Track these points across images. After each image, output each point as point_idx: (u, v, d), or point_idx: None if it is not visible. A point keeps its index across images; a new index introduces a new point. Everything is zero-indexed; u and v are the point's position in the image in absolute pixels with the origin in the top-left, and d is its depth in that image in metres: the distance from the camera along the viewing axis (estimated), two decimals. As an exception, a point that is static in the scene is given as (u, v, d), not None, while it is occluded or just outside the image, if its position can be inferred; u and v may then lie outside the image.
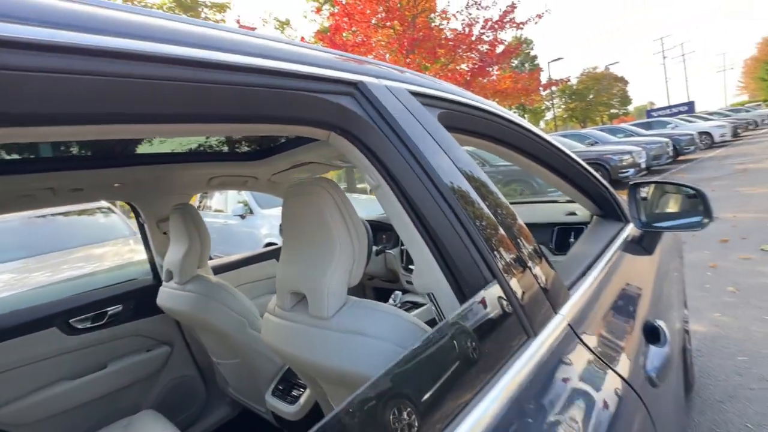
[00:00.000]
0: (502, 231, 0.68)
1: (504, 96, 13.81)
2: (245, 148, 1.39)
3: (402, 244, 2.06)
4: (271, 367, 1.34)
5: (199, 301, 1.28)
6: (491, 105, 0.99)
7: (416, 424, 0.44)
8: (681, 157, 14.28)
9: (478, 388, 0.50)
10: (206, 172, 1.43)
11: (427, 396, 0.47)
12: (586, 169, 1.29)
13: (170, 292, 1.38)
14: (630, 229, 1.29)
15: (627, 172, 9.46)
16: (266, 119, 0.55)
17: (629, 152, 9.53)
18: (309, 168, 1.45)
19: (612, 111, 51.33)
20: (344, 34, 11.00)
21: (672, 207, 1.32)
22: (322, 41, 10.72)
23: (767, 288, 2.80)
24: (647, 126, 17.06)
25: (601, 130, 14.57)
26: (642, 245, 1.25)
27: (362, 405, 0.42)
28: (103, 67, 0.39)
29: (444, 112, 0.80)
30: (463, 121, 0.86)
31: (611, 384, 0.63)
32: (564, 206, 1.84)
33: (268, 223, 4.48)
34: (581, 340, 0.66)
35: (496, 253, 0.64)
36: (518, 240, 0.68)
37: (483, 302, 0.57)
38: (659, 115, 30.39)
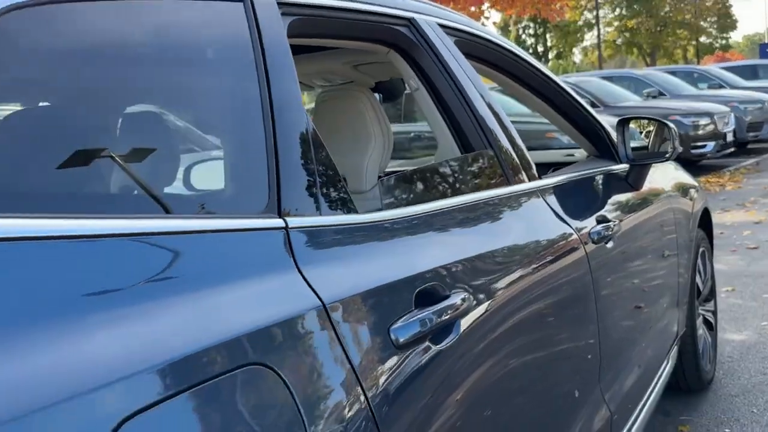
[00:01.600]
0: (496, 124, 1.72)
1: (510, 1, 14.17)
2: None
3: None
4: None
5: None
6: (493, 35, 2.08)
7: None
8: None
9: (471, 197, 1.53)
10: None
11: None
12: (584, 108, 2.37)
13: None
14: (620, 167, 2.38)
15: (703, 147, 9.42)
16: (354, 38, 1.64)
17: (709, 114, 9.51)
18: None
19: (703, 39, 43.75)
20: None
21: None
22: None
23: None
24: (751, 72, 15.75)
25: (672, 72, 14.36)
26: (628, 181, 2.39)
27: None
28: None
29: (458, 39, 1.77)
30: (472, 49, 1.92)
31: (557, 225, 1.72)
32: (565, 151, 3.26)
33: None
34: (542, 197, 1.76)
35: (494, 136, 1.69)
36: (505, 129, 1.76)
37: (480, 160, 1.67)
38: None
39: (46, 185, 0.88)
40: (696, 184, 3.23)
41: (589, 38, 43.79)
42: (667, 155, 2.36)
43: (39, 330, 0.65)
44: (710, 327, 3.29)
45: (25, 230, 0.71)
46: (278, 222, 1.00)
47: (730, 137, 9.91)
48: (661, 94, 12.08)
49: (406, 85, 1.76)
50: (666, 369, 2.52)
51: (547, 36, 45.13)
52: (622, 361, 2.01)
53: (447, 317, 1.15)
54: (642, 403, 2.18)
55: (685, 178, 3.12)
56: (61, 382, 0.63)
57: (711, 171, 10.27)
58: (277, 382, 0.83)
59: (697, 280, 3.05)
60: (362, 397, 0.94)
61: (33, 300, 0.68)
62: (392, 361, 1.03)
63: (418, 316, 1.09)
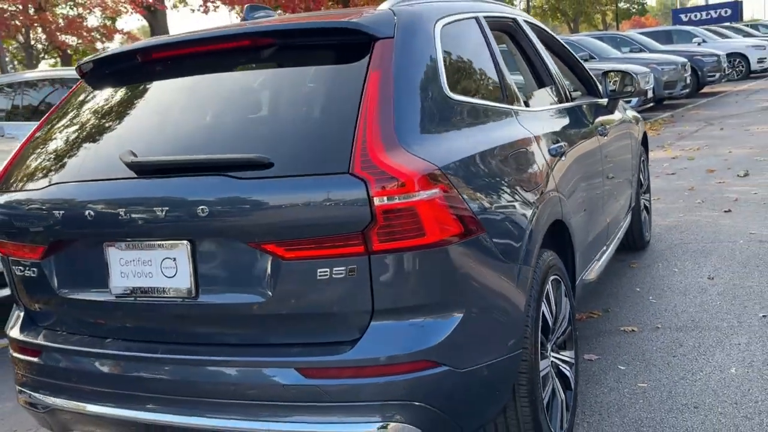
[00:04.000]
0: (555, 72, 3.53)
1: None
2: None
3: None
4: None
5: None
6: (545, 27, 3.93)
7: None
8: (704, 90, 15.91)
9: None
10: None
11: None
12: (583, 67, 4.18)
13: None
14: (603, 101, 4.14)
15: (629, 102, 12.49)
16: (493, 29, 3.20)
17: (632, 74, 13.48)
18: None
19: (622, 5, 45.79)
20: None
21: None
22: None
23: (725, 198, 6.31)
24: (666, 37, 17.93)
25: (599, 38, 16.33)
26: (607, 108, 4.18)
27: None
28: None
29: (532, 27, 3.61)
30: (538, 33, 3.66)
31: (584, 122, 3.65)
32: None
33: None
34: (578, 110, 3.59)
35: (555, 79, 3.50)
36: (559, 76, 3.61)
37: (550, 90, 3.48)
38: (689, 20, 30.55)
39: None
40: (641, 118, 5.07)
41: (518, 4, 45.39)
42: (633, 93, 4.13)
43: None
44: (647, 211, 5.16)
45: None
46: (508, 107, 2.68)
47: (650, 94, 12.13)
48: (591, 57, 13.78)
49: (509, 50, 3.43)
50: (627, 221, 4.35)
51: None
52: (610, 202, 3.80)
53: (555, 146, 2.85)
54: (618, 227, 3.99)
55: (635, 114, 4.96)
56: None
57: (634, 122, 12.43)
58: (529, 144, 2.53)
59: (640, 176, 4.88)
60: (541, 156, 2.65)
61: None
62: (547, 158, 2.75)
63: (554, 146, 2.80)
